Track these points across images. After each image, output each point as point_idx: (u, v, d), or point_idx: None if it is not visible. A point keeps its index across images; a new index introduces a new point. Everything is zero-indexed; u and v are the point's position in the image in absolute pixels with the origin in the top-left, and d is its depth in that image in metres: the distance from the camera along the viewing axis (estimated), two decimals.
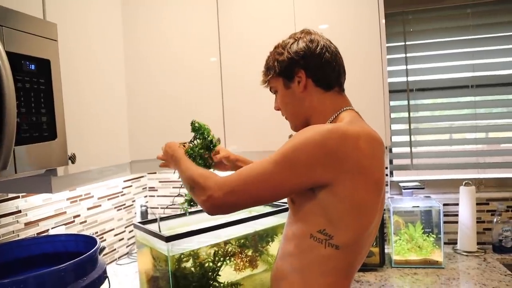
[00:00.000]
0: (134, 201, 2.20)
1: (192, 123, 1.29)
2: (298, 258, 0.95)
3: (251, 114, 1.77)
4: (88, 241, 1.03)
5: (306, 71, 1.00)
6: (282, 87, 1.05)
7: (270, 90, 1.11)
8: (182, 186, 1.10)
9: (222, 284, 1.41)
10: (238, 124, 1.81)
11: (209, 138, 1.29)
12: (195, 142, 1.29)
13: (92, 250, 0.92)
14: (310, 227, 0.92)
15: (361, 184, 0.88)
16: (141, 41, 1.66)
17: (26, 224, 1.46)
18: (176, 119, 1.71)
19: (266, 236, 1.60)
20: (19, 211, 1.43)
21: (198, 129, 1.29)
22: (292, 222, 1.00)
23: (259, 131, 1.77)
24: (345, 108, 1.01)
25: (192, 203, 1.28)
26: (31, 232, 1.48)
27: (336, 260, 0.91)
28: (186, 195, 1.29)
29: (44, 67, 1.07)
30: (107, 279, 1.04)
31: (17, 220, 1.43)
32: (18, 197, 1.43)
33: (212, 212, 0.94)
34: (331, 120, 1.00)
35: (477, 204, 1.86)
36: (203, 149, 1.28)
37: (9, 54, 0.91)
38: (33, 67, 1.03)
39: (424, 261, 1.74)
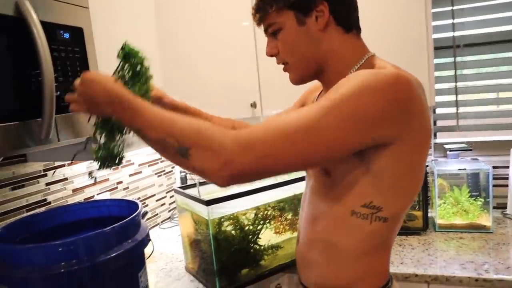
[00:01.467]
0: (173, 167, 2.24)
1: (122, 48, 0.93)
2: (333, 241, 0.83)
3: (286, 74, 1.72)
4: (131, 206, 1.05)
5: (330, 4, 0.80)
6: (292, 23, 0.82)
7: (267, 30, 0.87)
8: (98, 133, 0.86)
9: (262, 247, 1.43)
10: (274, 87, 1.77)
11: (142, 70, 0.94)
12: (124, 74, 0.92)
13: (135, 214, 0.94)
14: (351, 202, 0.79)
15: (421, 141, 0.75)
16: (172, 6, 1.63)
17: (73, 190, 1.53)
18: (210, 85, 1.69)
19: None
20: (66, 179, 1.50)
21: (128, 56, 0.93)
22: (321, 200, 0.86)
23: (296, 92, 1.72)
24: (370, 54, 0.84)
25: (107, 164, 0.92)
26: (78, 198, 1.54)
27: (382, 235, 0.81)
28: (98, 145, 0.93)
29: (77, 35, 1.07)
30: (150, 241, 1.07)
31: (65, 187, 1.49)
32: (64, 165, 1.49)
33: (229, 183, 0.69)
34: (359, 65, 0.81)
35: None
36: (137, 84, 0.92)
37: (44, 24, 0.91)
38: (67, 35, 1.03)
39: (471, 225, 1.67)
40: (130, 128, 0.78)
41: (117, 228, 0.87)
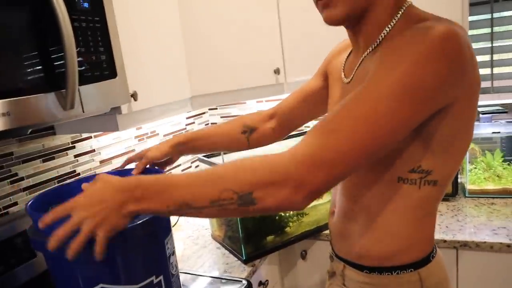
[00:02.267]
0: None
1: None
2: (378, 210, 0.78)
3: (310, 40, 1.66)
4: (158, 172, 1.06)
5: None
6: None
7: None
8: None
9: (287, 214, 1.43)
10: (297, 53, 1.71)
11: None
12: None
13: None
14: (398, 169, 0.73)
15: (473, 96, 0.70)
16: None
17: (101, 162, 1.56)
18: (234, 53, 1.66)
19: None
20: (93, 150, 1.53)
21: None
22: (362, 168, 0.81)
23: (320, 58, 1.66)
24: (408, 3, 0.75)
25: None
26: (106, 169, 1.58)
27: (432, 199, 0.76)
28: None
29: (97, 4, 1.05)
30: None
31: (93, 159, 1.52)
32: (90, 137, 1.51)
33: (309, 203, 0.62)
34: (398, 16, 0.72)
35: None
36: None
37: None
38: (86, 5, 1.01)
39: (504, 190, 1.62)
40: (169, 214, 0.66)
41: None
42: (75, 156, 1.44)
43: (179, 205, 0.63)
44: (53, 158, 1.36)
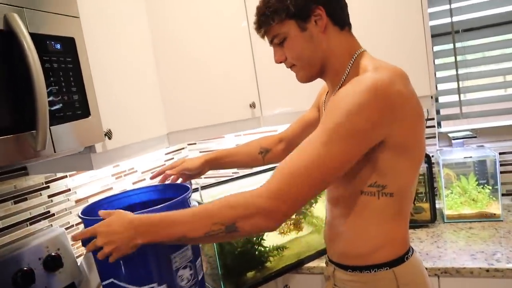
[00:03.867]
0: None
1: None
2: (351, 216, 0.94)
3: (283, 74, 1.70)
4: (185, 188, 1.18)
5: (325, 7, 0.88)
6: (295, 31, 0.90)
7: (272, 41, 0.95)
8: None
9: (267, 248, 1.41)
10: (272, 87, 1.75)
11: None
12: None
13: (186, 193, 1.09)
14: (359, 185, 0.90)
15: (409, 124, 0.84)
16: (166, 9, 1.62)
17: (76, 201, 1.53)
18: (209, 87, 1.68)
19: None
20: (69, 190, 1.50)
21: None
22: (336, 186, 0.98)
23: (294, 92, 1.70)
24: (360, 51, 0.93)
25: None
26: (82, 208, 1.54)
27: (393, 206, 0.91)
28: None
29: (69, 45, 1.06)
30: None
31: (68, 198, 1.49)
32: (65, 176, 1.49)
33: (280, 224, 0.81)
34: (350, 65, 0.91)
35: None
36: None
37: (34, 36, 0.91)
38: (58, 46, 1.02)
39: (480, 214, 1.65)
40: (171, 243, 0.88)
41: (169, 205, 1.00)
42: (49, 196, 1.41)
43: (179, 238, 0.81)
44: (26, 199, 1.32)
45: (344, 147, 0.78)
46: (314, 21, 0.89)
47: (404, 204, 0.94)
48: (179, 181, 1.28)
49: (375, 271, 0.93)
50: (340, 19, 0.92)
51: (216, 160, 1.29)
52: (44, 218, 1.38)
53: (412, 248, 0.99)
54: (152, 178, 1.25)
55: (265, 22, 0.92)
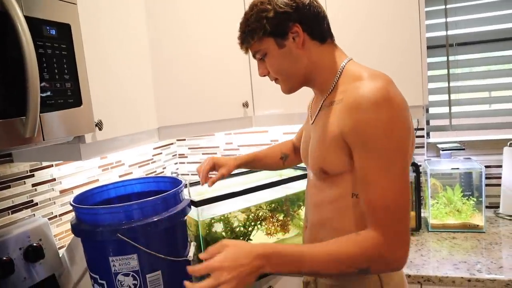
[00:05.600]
0: (164, 168, 2.22)
1: None
2: (339, 220, 0.94)
3: None
4: (177, 182, 1.27)
5: (302, 24, 0.91)
6: (274, 47, 0.94)
7: (254, 56, 1.00)
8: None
9: None
10: (266, 87, 1.75)
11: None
12: None
13: (179, 187, 1.16)
14: (350, 188, 0.91)
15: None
16: (164, 7, 1.61)
17: (61, 191, 1.49)
18: (203, 85, 1.67)
19: (297, 200, 1.57)
20: (54, 179, 1.47)
21: None
22: (323, 189, 0.97)
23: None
24: (347, 60, 0.96)
25: None
26: (67, 199, 1.51)
27: None
28: None
29: (64, 31, 1.04)
30: None
31: (52, 188, 1.46)
32: (51, 165, 1.46)
33: (406, 258, 0.84)
34: (338, 76, 0.93)
35: None
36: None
37: (29, 19, 0.88)
38: (53, 32, 1.00)
39: (463, 225, 1.67)
40: (297, 275, 0.93)
41: (163, 198, 1.09)
42: (33, 185, 1.38)
43: (311, 272, 0.84)
44: (9, 187, 1.29)
45: (405, 164, 0.83)
46: (292, 37, 0.92)
47: None
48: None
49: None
50: (319, 33, 0.94)
51: (246, 164, 1.36)
52: (27, 207, 1.35)
53: None
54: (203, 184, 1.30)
55: (245, 39, 0.97)
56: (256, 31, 0.93)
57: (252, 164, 1.38)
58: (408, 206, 0.83)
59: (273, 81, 1.03)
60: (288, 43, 0.93)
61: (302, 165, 1.84)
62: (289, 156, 1.41)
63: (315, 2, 0.94)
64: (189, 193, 1.40)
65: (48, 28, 0.98)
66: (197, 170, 1.31)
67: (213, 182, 1.25)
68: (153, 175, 2.08)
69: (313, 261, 0.81)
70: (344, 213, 0.93)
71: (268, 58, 0.97)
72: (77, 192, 1.56)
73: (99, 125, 1.20)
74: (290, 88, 1.00)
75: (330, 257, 0.82)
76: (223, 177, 1.28)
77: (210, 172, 1.29)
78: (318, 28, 0.94)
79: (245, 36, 0.97)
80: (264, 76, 1.02)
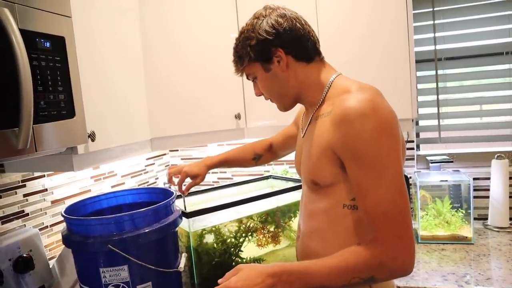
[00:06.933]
0: (157, 178, 2.22)
1: None
2: (330, 230, 0.96)
3: None
4: (167, 193, 1.28)
5: (284, 48, 0.95)
6: (261, 71, 1.00)
7: (248, 78, 1.06)
8: None
9: (244, 260, 1.41)
10: (258, 99, 1.77)
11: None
12: None
13: (170, 199, 1.17)
14: (341, 198, 0.93)
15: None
16: (157, 17, 1.63)
17: (52, 202, 1.49)
18: (195, 96, 1.69)
19: (288, 211, 1.58)
20: (45, 189, 1.47)
21: None
22: (316, 199, 0.99)
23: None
24: (336, 75, 0.99)
25: None
26: (58, 209, 1.51)
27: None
28: None
29: (59, 44, 1.05)
30: None
31: (44, 198, 1.46)
32: (43, 176, 1.46)
33: (413, 265, 0.85)
34: (327, 90, 0.97)
35: (510, 178, 1.77)
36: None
37: (23, 32, 0.90)
38: (48, 44, 1.02)
39: (452, 237, 1.69)
40: None
41: (154, 209, 1.11)
42: (25, 195, 1.38)
43: (320, 286, 0.84)
44: (0, 197, 1.29)
45: (398, 169, 0.84)
46: (277, 61, 0.96)
47: None
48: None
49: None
50: (304, 54, 0.97)
51: (217, 166, 1.41)
52: (18, 218, 1.35)
53: None
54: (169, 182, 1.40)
55: (237, 63, 1.04)
56: (243, 58, 1.00)
57: (223, 166, 1.43)
58: (408, 210, 0.83)
59: (268, 100, 1.08)
60: (274, 67, 0.97)
61: (294, 176, 1.86)
62: (262, 156, 1.45)
63: (297, 25, 0.96)
64: (184, 204, 1.41)
65: (42, 40, 1.00)
66: (168, 182, 1.39)
67: (188, 190, 1.37)
68: (145, 185, 2.08)
69: (321, 274, 0.83)
70: (335, 224, 0.95)
71: (258, 81, 1.03)
72: (69, 202, 1.56)
73: (92, 136, 1.21)
74: (284, 106, 1.05)
75: (335, 270, 0.84)
76: (196, 184, 1.37)
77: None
78: (302, 49, 0.97)
79: (235, 62, 1.04)
80: (260, 96, 1.07)
